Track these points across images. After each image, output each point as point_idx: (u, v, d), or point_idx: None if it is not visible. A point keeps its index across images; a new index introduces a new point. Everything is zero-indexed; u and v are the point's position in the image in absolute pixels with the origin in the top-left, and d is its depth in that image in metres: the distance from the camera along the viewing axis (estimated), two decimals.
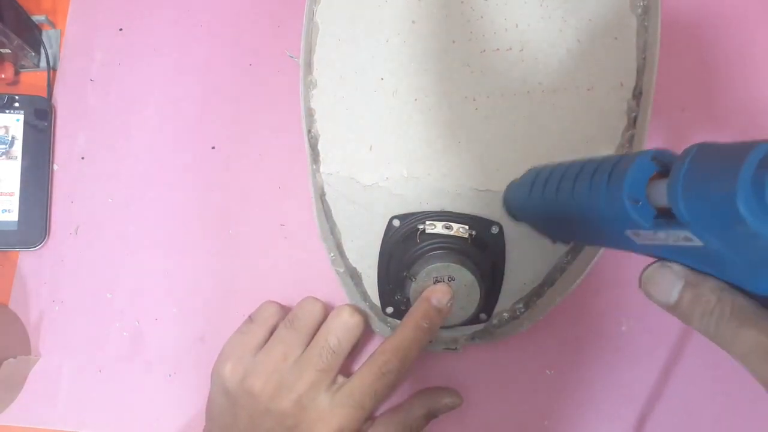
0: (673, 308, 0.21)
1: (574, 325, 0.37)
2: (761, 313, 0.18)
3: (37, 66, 0.43)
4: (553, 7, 0.34)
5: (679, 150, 0.19)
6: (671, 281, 0.21)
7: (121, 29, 0.44)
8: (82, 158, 0.42)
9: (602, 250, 0.34)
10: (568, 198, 0.24)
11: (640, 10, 0.34)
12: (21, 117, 0.41)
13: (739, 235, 0.16)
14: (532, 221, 0.30)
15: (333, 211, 0.35)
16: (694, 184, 0.17)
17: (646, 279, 0.22)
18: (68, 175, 0.42)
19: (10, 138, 0.41)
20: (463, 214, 0.34)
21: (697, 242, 0.18)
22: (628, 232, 0.21)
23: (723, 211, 0.16)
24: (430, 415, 0.34)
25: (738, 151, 0.16)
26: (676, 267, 0.21)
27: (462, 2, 0.34)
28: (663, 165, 0.20)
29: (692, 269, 0.20)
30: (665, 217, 0.19)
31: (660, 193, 0.19)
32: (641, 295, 0.22)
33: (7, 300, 0.40)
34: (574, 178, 0.24)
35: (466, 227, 0.33)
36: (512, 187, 0.32)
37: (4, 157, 0.41)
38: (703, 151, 0.18)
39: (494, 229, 0.33)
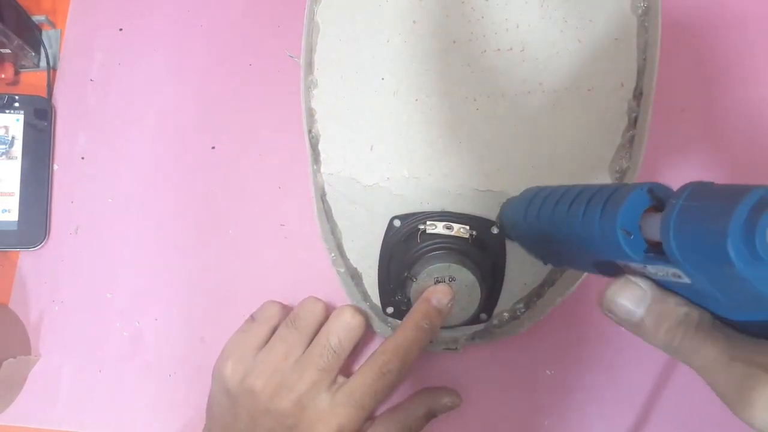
0: (636, 324, 0.21)
1: (574, 326, 0.37)
2: (720, 329, 0.19)
3: (37, 66, 0.43)
4: (553, 8, 0.34)
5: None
6: (638, 297, 0.21)
7: (121, 29, 0.44)
8: (82, 158, 0.42)
9: None
10: (562, 222, 0.24)
11: (640, 11, 0.34)
12: (21, 117, 0.41)
13: (726, 277, 0.17)
14: (524, 241, 0.30)
15: (333, 211, 0.35)
16: (687, 224, 0.17)
17: (612, 295, 0.22)
18: (68, 175, 0.41)
19: (10, 138, 0.41)
20: (464, 214, 0.34)
21: (686, 280, 0.18)
22: (619, 263, 0.21)
23: (713, 252, 0.16)
24: (430, 415, 0.34)
25: (733, 194, 0.16)
26: (643, 283, 0.21)
27: (462, 2, 0.34)
28: (658, 199, 0.20)
29: (657, 284, 0.21)
30: (656, 251, 0.19)
31: (653, 228, 0.19)
32: None
33: (7, 300, 0.40)
34: (570, 202, 0.24)
35: (467, 227, 0.33)
36: (508, 204, 0.31)
37: (4, 157, 0.41)
38: (699, 190, 0.18)
39: (495, 229, 0.33)
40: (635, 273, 0.21)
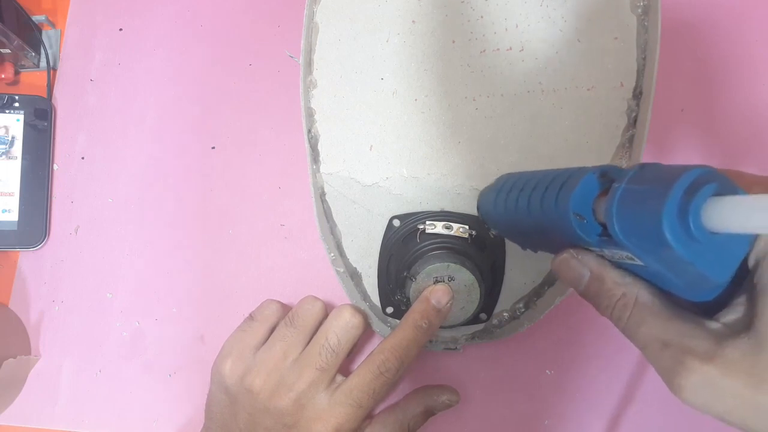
0: (582, 295, 0.22)
1: (574, 325, 0.37)
2: (662, 307, 0.19)
3: (37, 66, 0.43)
4: (553, 7, 0.34)
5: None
6: (578, 272, 0.22)
7: (121, 29, 0.44)
8: (82, 158, 0.42)
9: None
10: (526, 209, 0.24)
11: (640, 10, 0.34)
12: (21, 117, 0.41)
13: (670, 258, 0.16)
14: (500, 228, 0.30)
15: (333, 211, 0.35)
16: (628, 207, 0.17)
17: (555, 268, 0.23)
18: (68, 175, 0.42)
19: (10, 138, 0.41)
20: (463, 213, 0.34)
21: (639, 262, 0.18)
22: (583, 247, 0.21)
23: (652, 235, 0.16)
24: (428, 413, 0.34)
25: (670, 176, 0.16)
26: (584, 257, 0.21)
27: (462, 2, 0.34)
28: (612, 182, 0.20)
29: (599, 259, 0.21)
30: (609, 235, 0.19)
31: (603, 211, 0.19)
32: None
33: (7, 300, 0.40)
34: (532, 189, 0.24)
35: (466, 227, 0.33)
36: (484, 193, 0.31)
37: (4, 157, 0.41)
38: (641, 172, 0.18)
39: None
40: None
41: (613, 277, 0.20)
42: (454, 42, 0.34)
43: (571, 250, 0.22)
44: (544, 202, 0.22)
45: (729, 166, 0.39)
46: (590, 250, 0.21)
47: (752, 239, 0.17)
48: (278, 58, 0.42)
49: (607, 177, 0.20)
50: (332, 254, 0.35)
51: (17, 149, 0.41)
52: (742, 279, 0.18)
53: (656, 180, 0.17)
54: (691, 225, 0.15)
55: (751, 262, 0.18)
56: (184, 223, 0.40)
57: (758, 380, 0.16)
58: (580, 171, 0.21)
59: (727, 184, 0.16)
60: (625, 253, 0.19)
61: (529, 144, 0.34)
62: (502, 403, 0.37)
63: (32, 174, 0.41)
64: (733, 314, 0.18)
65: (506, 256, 0.34)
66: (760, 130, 0.39)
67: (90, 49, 0.44)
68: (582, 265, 0.21)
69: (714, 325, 0.18)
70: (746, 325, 0.17)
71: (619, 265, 0.21)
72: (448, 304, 0.31)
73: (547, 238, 0.24)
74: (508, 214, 0.26)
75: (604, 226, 0.20)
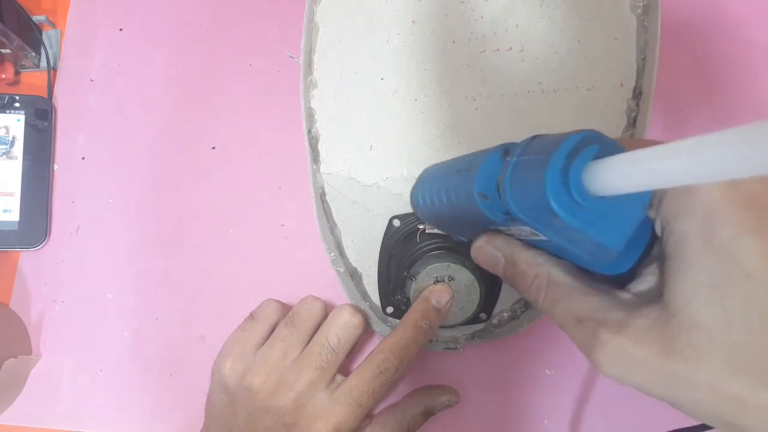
0: (503, 280, 0.22)
1: None
2: (575, 283, 0.19)
3: (38, 66, 0.43)
4: (553, 7, 0.34)
5: None
6: (493, 257, 0.21)
7: (121, 29, 0.44)
8: (83, 158, 0.42)
9: None
10: (443, 196, 0.24)
11: (640, 10, 0.34)
12: (21, 117, 0.41)
13: (562, 227, 0.16)
14: (428, 220, 0.30)
15: (333, 211, 0.35)
16: (518, 179, 0.17)
17: (473, 255, 0.23)
18: (68, 175, 0.42)
19: (10, 138, 0.41)
20: None
21: (543, 237, 0.18)
22: (492, 228, 0.21)
23: (540, 204, 0.16)
24: (428, 413, 0.34)
25: (555, 142, 0.16)
26: (496, 242, 0.21)
27: (462, 2, 0.34)
28: None
29: (510, 241, 0.21)
30: None
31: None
32: None
33: (7, 300, 0.40)
34: (446, 176, 0.24)
35: None
36: (413, 188, 0.31)
37: (4, 157, 0.41)
38: (531, 145, 0.17)
39: None
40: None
41: (525, 259, 0.20)
42: (454, 42, 0.34)
43: (485, 236, 0.22)
44: (456, 187, 0.22)
45: None
46: (502, 233, 0.21)
47: (645, 203, 0.17)
48: (278, 58, 0.42)
49: (509, 154, 0.20)
50: (332, 254, 0.35)
51: (18, 149, 0.41)
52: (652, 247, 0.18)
53: (543, 149, 0.16)
54: (572, 190, 0.15)
55: (657, 230, 0.17)
56: (184, 223, 0.40)
57: (668, 348, 0.16)
58: (485, 151, 0.20)
59: (612, 146, 0.16)
60: (528, 229, 0.18)
61: None
62: (502, 402, 0.37)
63: (33, 174, 0.41)
64: (644, 284, 0.18)
65: None
66: None
67: (90, 49, 0.44)
68: (496, 249, 0.21)
69: (625, 296, 0.18)
70: (656, 295, 0.17)
71: (530, 244, 0.20)
72: (448, 304, 0.31)
73: (466, 224, 0.23)
74: (432, 204, 0.26)
75: None
